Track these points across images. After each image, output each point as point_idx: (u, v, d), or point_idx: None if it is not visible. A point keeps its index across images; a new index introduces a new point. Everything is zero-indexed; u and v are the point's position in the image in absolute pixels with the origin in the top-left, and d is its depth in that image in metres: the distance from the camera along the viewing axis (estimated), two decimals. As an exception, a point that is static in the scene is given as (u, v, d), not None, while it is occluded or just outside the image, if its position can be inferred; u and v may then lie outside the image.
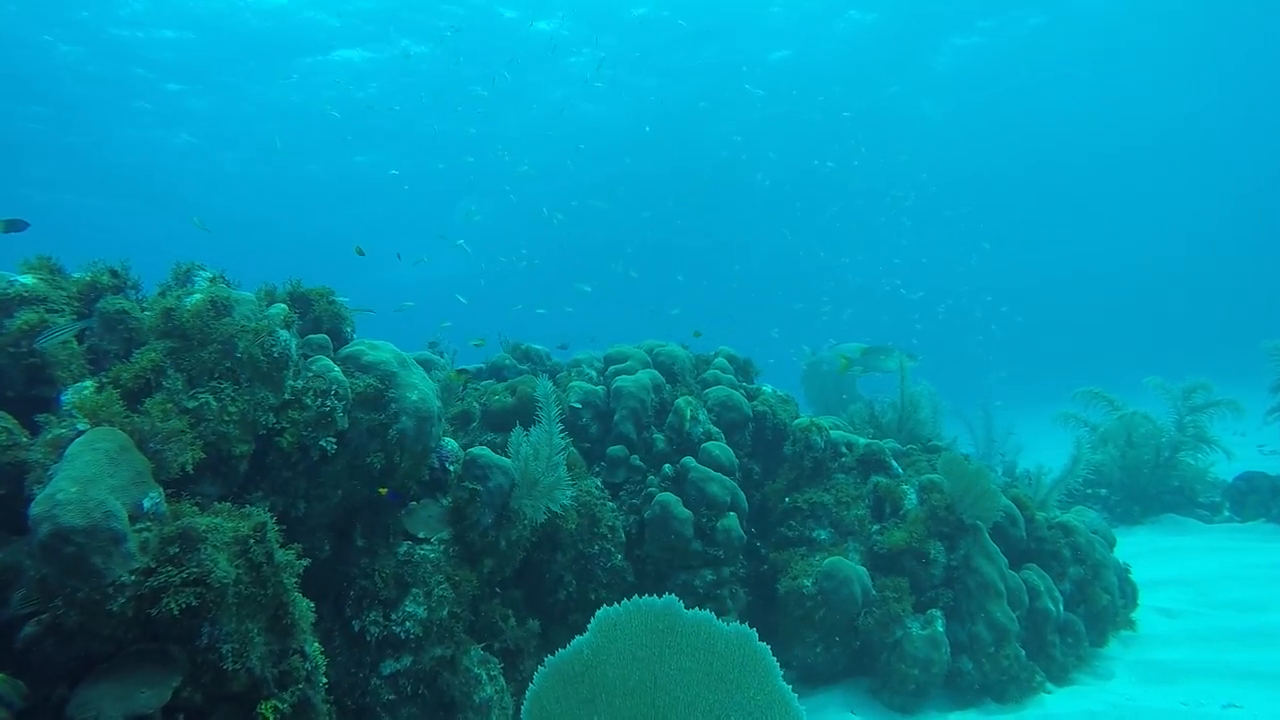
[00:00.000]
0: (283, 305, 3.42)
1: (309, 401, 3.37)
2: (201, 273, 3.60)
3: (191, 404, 2.94)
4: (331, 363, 3.57)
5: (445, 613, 3.83)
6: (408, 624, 3.67)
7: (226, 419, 3.04)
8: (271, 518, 2.61)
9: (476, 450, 4.22)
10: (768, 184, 30.74)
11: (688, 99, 25.58)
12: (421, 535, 4.09)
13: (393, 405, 3.77)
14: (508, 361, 6.72)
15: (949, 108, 28.27)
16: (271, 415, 3.25)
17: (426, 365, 6.68)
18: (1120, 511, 9.64)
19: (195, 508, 2.58)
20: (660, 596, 5.06)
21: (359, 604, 3.69)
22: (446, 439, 4.54)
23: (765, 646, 2.53)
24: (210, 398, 3.00)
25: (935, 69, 25.69)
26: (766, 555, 5.24)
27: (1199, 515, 9.12)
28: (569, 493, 4.94)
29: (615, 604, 5.04)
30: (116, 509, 2.20)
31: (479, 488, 4.08)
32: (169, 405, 2.86)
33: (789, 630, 4.77)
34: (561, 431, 4.14)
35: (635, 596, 5.24)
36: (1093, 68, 27.07)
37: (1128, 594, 5.30)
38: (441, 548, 4.03)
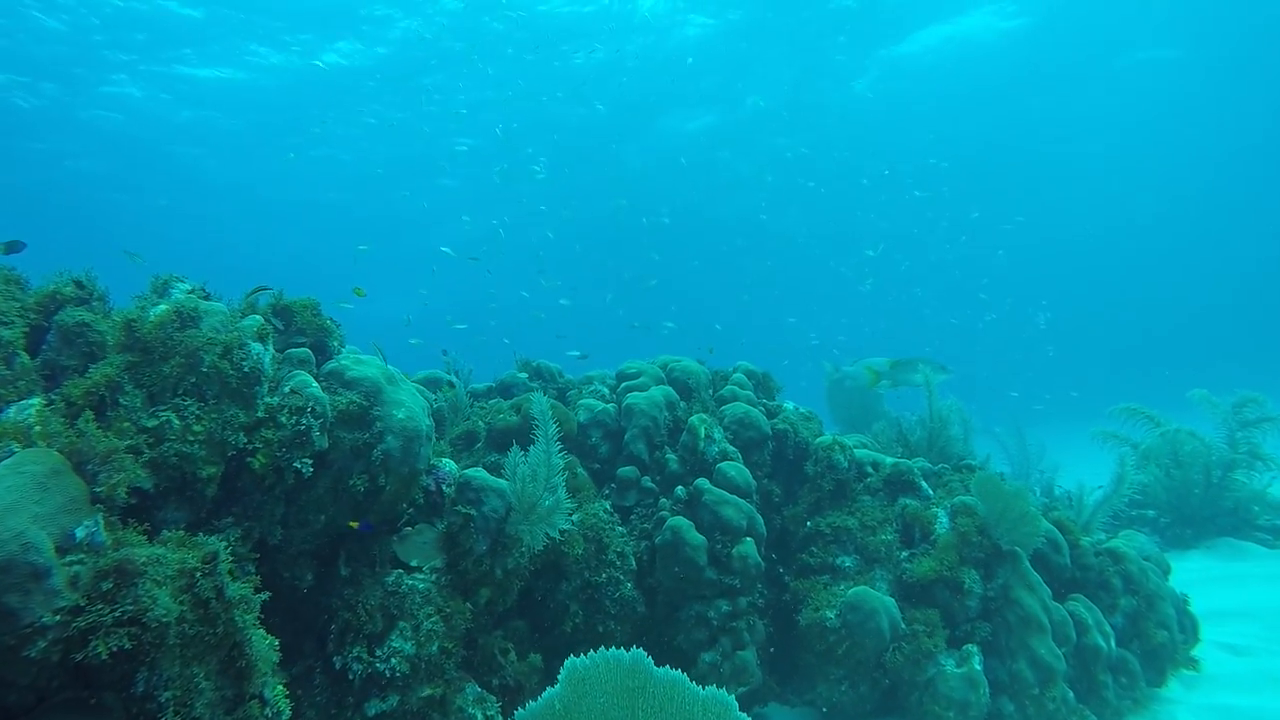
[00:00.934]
0: (258, 317, 3.21)
1: (284, 420, 3.14)
2: (180, 284, 3.40)
3: (151, 423, 2.72)
4: (310, 378, 3.34)
5: (435, 648, 3.55)
6: (394, 661, 3.40)
7: (191, 439, 2.82)
8: (225, 547, 2.36)
9: (471, 472, 3.96)
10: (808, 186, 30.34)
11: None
12: (414, 563, 3.84)
13: (377, 424, 3.52)
14: (518, 379, 6.48)
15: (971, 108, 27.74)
16: (242, 434, 3.02)
17: (434, 384, 6.50)
18: (1170, 535, 9.06)
19: (143, 536, 2.34)
20: (672, 629, 4.75)
21: (341, 639, 3.42)
22: (445, 460, 4.29)
23: (744, 717, 2.20)
24: (172, 416, 2.78)
25: (946, 70, 25.23)
26: (788, 583, 4.89)
27: (1258, 539, 8.52)
28: (571, 517, 4.67)
29: (625, 635, 4.75)
30: (39, 540, 1.97)
31: (473, 512, 3.82)
32: (126, 424, 2.64)
33: (812, 666, 4.40)
34: (561, 451, 3.86)
35: (646, 629, 4.96)
36: (1130, 70, 26.42)
37: (1188, 628, 4.84)
38: (433, 577, 3.77)
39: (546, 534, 3.86)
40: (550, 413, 4.92)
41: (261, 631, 2.54)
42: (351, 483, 3.45)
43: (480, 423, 5.51)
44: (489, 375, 7.14)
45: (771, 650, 4.81)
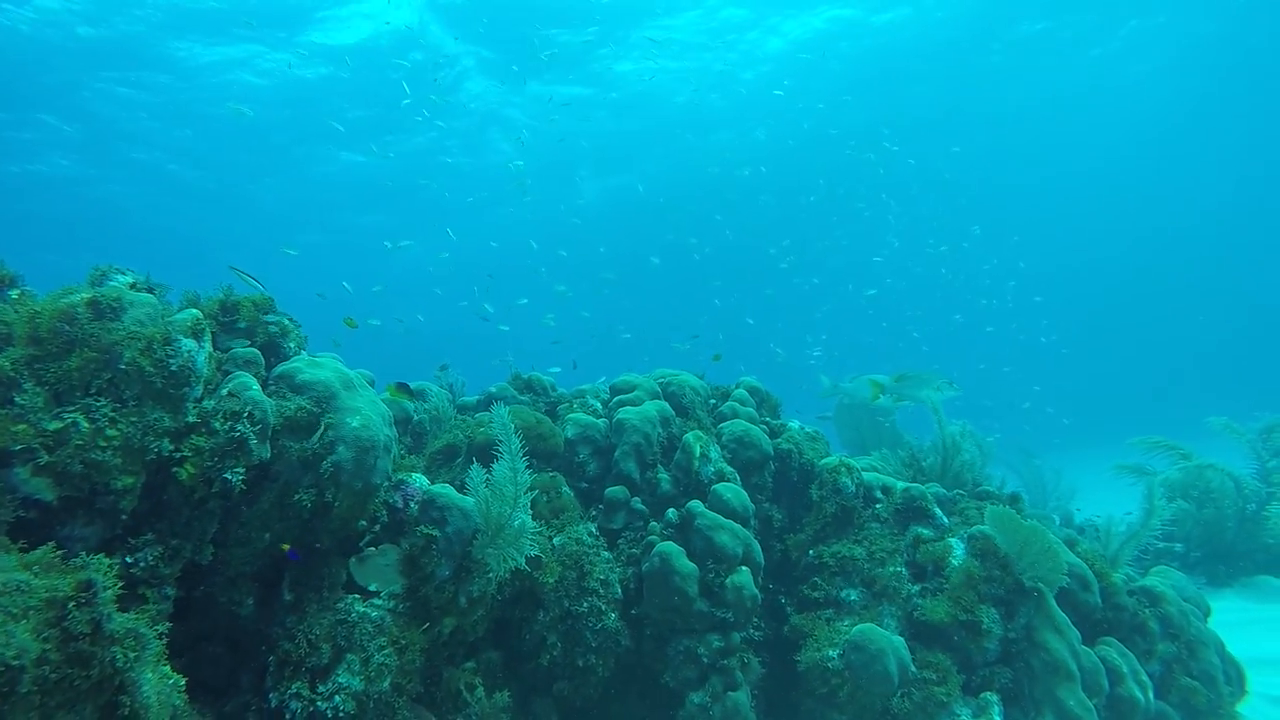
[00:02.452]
0: (194, 311, 2.89)
1: (218, 425, 2.81)
2: (119, 275, 3.10)
3: (53, 425, 2.40)
4: (251, 380, 3.01)
5: (387, 684, 3.17)
6: (338, 699, 3.03)
7: (103, 444, 2.49)
8: (111, 571, 2.01)
9: (437, 488, 3.61)
10: (812, 198, 29.98)
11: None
12: (373, 587, 3.48)
13: (329, 433, 3.19)
14: (507, 393, 6.14)
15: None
16: (167, 441, 2.69)
17: (422, 394, 6.17)
18: (1203, 571, 8.50)
19: (16, 558, 2.00)
20: (659, 664, 4.34)
21: (280, 673, 3.06)
22: (416, 475, 3.95)
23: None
24: (80, 417, 2.45)
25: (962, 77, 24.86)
26: (790, 616, 4.48)
27: (1299, 578, 7.96)
28: (552, 540, 4.29)
29: (607, 670, 4.35)
30: None
31: (436, 533, 3.46)
32: (21, 426, 2.32)
33: (812, 711, 3.98)
34: (529, 469, 3.50)
35: (632, 663, 4.55)
36: (1139, 86, 25.95)
37: (1234, 678, 4.36)
38: (390, 604, 3.40)
39: (513, 560, 3.48)
40: (514, 426, 4.58)
41: (162, 670, 2.19)
42: (297, 497, 3.11)
43: (462, 436, 5.17)
44: (475, 388, 6.83)
45: (769, 690, 4.39)
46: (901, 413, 9.14)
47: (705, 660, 3.99)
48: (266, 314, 3.50)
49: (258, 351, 3.24)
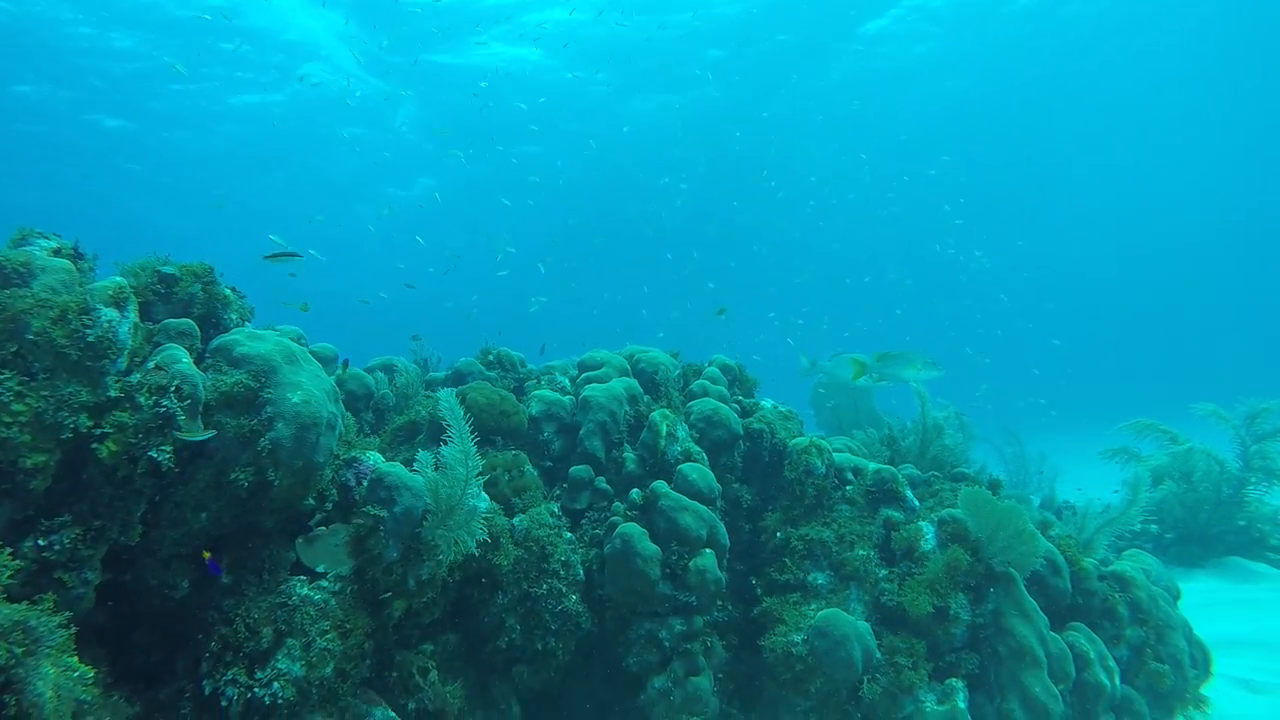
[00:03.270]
0: (117, 279, 2.71)
1: (142, 400, 2.64)
2: (41, 240, 2.91)
3: (-49, 398, 2.22)
4: (181, 353, 2.84)
5: (329, 670, 3.05)
6: (277, 685, 2.90)
7: (8, 420, 2.32)
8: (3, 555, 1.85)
9: (386, 467, 3.46)
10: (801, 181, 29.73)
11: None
12: (321, 569, 3.34)
13: (267, 409, 3.02)
14: (475, 368, 5.97)
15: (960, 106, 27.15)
16: (85, 417, 2.52)
17: (389, 370, 6.01)
18: (1176, 553, 8.53)
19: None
20: (622, 648, 4.26)
21: (218, 660, 2.92)
22: (371, 453, 3.80)
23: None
24: (-18, 391, 2.28)
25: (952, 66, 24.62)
26: (762, 598, 4.39)
27: (1270, 560, 7.99)
28: (512, 521, 4.17)
29: (568, 653, 4.25)
30: None
31: (384, 514, 3.32)
32: (-86, 399, 2.14)
33: (776, 695, 3.90)
34: (491, 446, 3.36)
35: (595, 646, 4.46)
36: (1125, 69, 25.80)
37: (1199, 661, 4.33)
38: (336, 586, 3.27)
39: (464, 543, 3.35)
40: (479, 403, 4.43)
41: (66, 662, 2.04)
42: (234, 476, 2.95)
43: (425, 413, 5.01)
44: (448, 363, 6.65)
45: (735, 674, 4.31)
46: (882, 394, 9.05)
47: (667, 644, 3.90)
48: (208, 284, 3.32)
49: (192, 323, 3.06)
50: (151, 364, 2.75)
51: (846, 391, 8.23)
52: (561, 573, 4.13)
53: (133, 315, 2.73)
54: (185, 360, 2.79)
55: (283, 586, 3.12)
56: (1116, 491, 5.86)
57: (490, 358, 6.15)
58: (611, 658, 4.20)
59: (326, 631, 3.09)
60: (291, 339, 5.84)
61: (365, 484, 3.47)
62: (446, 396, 3.34)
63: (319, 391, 3.20)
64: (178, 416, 2.69)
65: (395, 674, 3.62)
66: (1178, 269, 43.52)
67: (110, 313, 2.59)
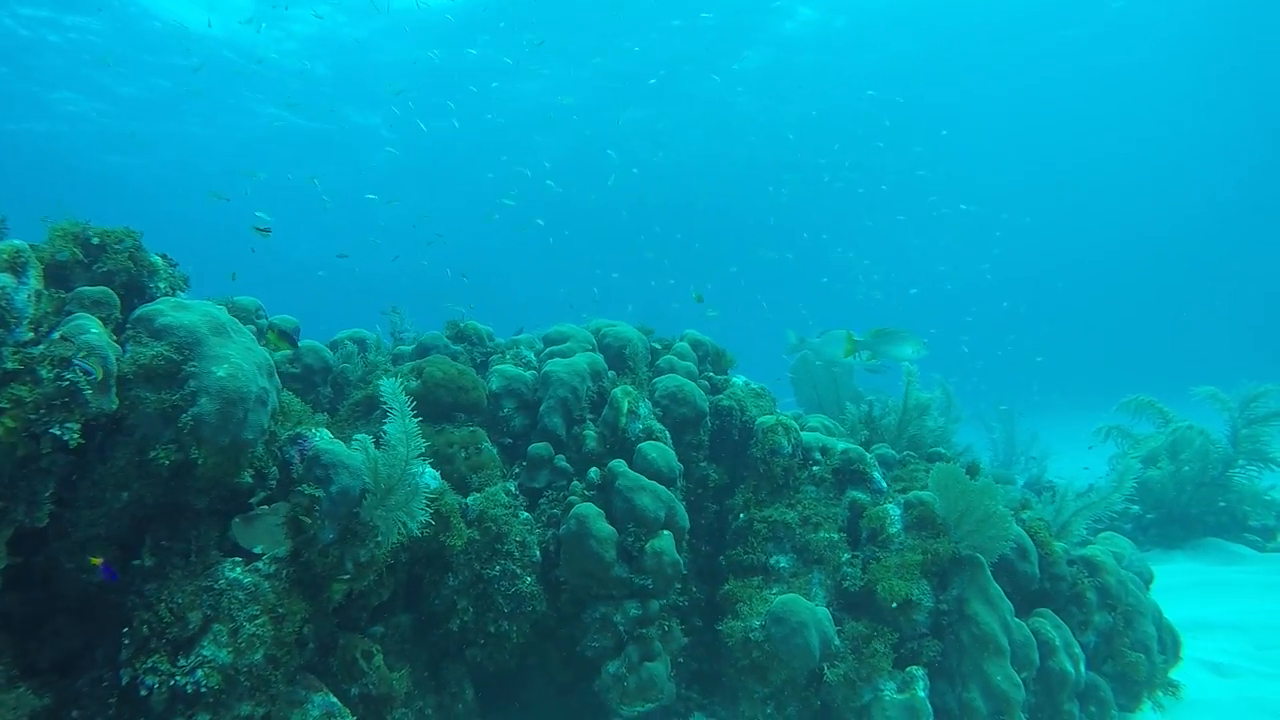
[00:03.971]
0: (13, 242, 2.52)
1: (44, 374, 2.47)
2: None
3: None
4: (92, 322, 2.66)
5: (259, 656, 2.92)
6: (200, 673, 2.76)
7: (-113, 393, 2.15)
8: None
9: (324, 444, 3.30)
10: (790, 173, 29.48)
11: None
12: (259, 550, 3.20)
13: (191, 383, 2.85)
14: (439, 341, 5.79)
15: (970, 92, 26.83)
16: (-21, 391, 2.35)
17: (360, 343, 5.84)
18: (1156, 534, 8.49)
19: None
20: (578, 632, 4.15)
21: (138, 648, 2.78)
22: (319, 430, 3.64)
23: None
24: None
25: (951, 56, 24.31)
26: (726, 579, 4.28)
27: (1248, 541, 7.95)
28: (465, 500, 4.03)
29: (523, 636, 4.14)
30: None
31: (320, 493, 3.16)
32: None
33: (735, 681, 3.80)
34: (419, 426, 3.20)
35: (552, 629, 4.35)
36: (1124, 60, 25.47)
37: (1168, 646, 4.25)
38: (272, 568, 3.13)
39: (405, 524, 3.21)
40: (418, 380, 4.28)
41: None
42: (153, 454, 2.79)
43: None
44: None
45: (695, 659, 4.22)
46: (867, 377, 8.87)
47: (622, 629, 3.79)
48: (133, 251, 3.13)
49: (109, 291, 2.88)
50: (57, 334, 2.58)
51: (827, 369, 8.08)
52: (516, 554, 4.00)
53: (33, 282, 2.55)
54: (95, 330, 2.61)
55: (212, 569, 2.98)
56: (1087, 468, 5.75)
57: (458, 331, 5.97)
58: (569, 641, 4.09)
59: (257, 616, 2.95)
60: (250, 310, 5.66)
61: (304, 462, 3.32)
62: (388, 385, 3.17)
63: (248, 365, 3.03)
64: (84, 390, 2.52)
65: (339, 659, 3.50)
66: (1186, 252, 43.33)
67: (5, 278, 2.41)
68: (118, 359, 2.69)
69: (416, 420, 3.23)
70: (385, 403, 3.20)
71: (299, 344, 5.35)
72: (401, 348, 6.20)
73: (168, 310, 2.97)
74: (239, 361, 2.98)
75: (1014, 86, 26.69)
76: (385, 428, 3.17)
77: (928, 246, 38.05)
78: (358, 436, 3.27)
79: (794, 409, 8.17)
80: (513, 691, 4.35)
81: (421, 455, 3.17)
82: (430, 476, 4.00)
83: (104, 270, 2.99)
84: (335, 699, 3.35)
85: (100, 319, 2.76)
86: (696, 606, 4.40)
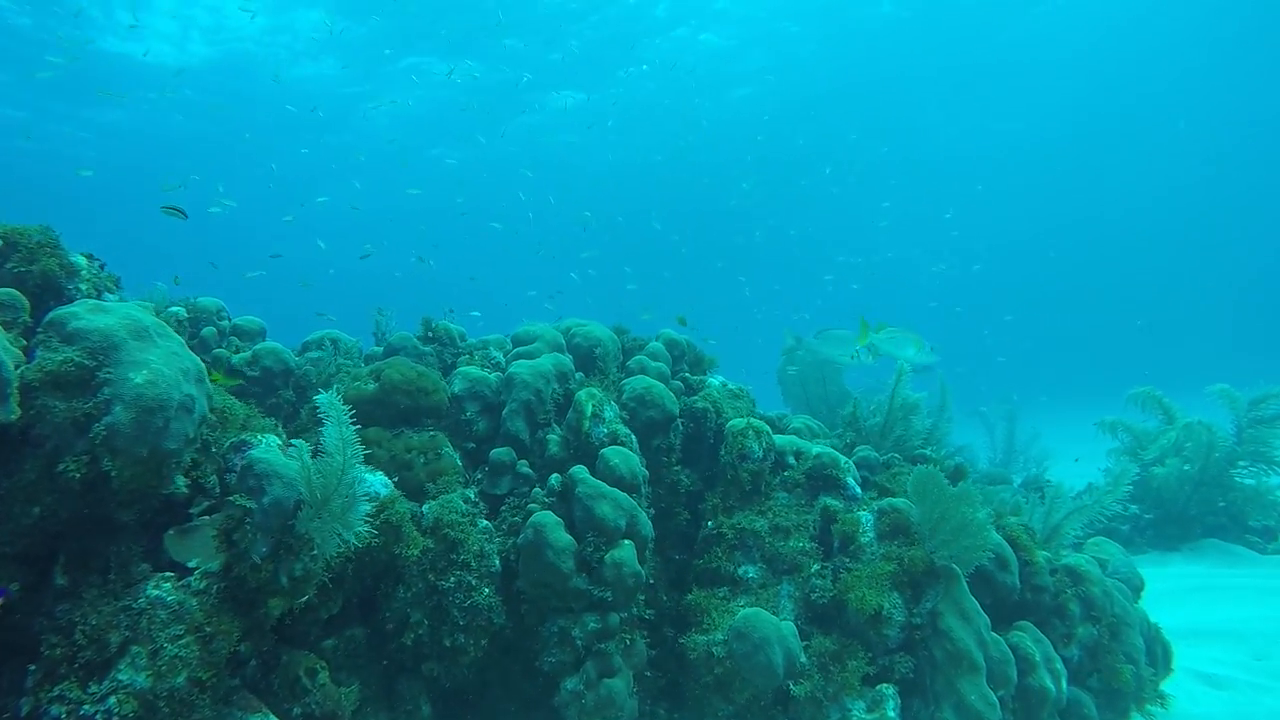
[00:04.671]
0: (-98, 241, 2.35)
1: (-67, 382, 2.30)
2: None
3: None
4: (-9, 327, 2.49)
5: (182, 679, 2.75)
6: (113, 700, 2.59)
7: None
8: None
9: (259, 452, 3.13)
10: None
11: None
12: (193, 564, 3.05)
13: (105, 390, 2.68)
14: (408, 342, 5.62)
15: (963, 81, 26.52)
16: None
17: (328, 344, 5.68)
18: (1154, 534, 8.28)
19: None
20: (533, 644, 3.98)
21: (46, 674, 2.62)
22: (265, 436, 3.48)
23: None
24: None
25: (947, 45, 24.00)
26: (691, 590, 4.10)
27: (1249, 542, 7.74)
28: (422, 508, 3.86)
29: (480, 650, 3.98)
30: None
31: (251, 505, 2.99)
32: None
33: (699, 698, 3.63)
34: (377, 431, 3.03)
35: (512, 643, 4.18)
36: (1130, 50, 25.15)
37: (1158, 659, 4.05)
38: (203, 584, 2.97)
39: (342, 537, 3.04)
40: (375, 383, 4.12)
41: None
42: (62, 466, 2.62)
43: (348, 391, 4.68)
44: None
45: (660, 673, 4.04)
46: (862, 371, 8.66)
47: (580, 643, 3.62)
48: (51, 250, 2.96)
49: (16, 293, 2.72)
50: (-49, 340, 2.41)
51: (815, 369, 7.89)
52: (473, 564, 3.83)
53: (-74, 284, 2.38)
54: (-8, 336, 2.44)
55: (130, 588, 2.82)
56: (1078, 459, 5.54)
57: (429, 332, 5.80)
58: (530, 654, 3.92)
59: (181, 636, 2.78)
60: (212, 311, 5.48)
61: (238, 471, 3.15)
62: (323, 396, 3.00)
63: (171, 371, 2.86)
64: (-24, 400, 2.35)
65: (281, 676, 3.33)
66: (1209, 251, 42.75)
67: (-110, 281, 2.24)
68: (19, 366, 2.52)
69: (356, 426, 3.06)
70: (321, 411, 3.03)
71: (262, 344, 5.20)
72: (376, 349, 6.04)
73: (83, 313, 2.80)
74: (160, 367, 2.81)
75: (1019, 77, 26.36)
76: (323, 434, 3.00)
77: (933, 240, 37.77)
78: (294, 443, 3.10)
79: (783, 409, 8.00)
80: (474, 706, 4.18)
81: (366, 462, 3.00)
82: (380, 484, 3.84)
83: (14, 271, 2.82)
84: (275, 719, 3.19)
85: (3, 323, 2.59)
86: (668, 617, 4.23)
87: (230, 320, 5.49)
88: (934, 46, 24.04)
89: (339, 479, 2.99)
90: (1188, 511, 8.24)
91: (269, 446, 3.24)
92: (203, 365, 3.13)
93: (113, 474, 2.70)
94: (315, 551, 3.04)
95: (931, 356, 6.86)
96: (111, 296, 3.22)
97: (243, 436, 3.46)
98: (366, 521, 3.56)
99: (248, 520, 2.98)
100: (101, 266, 3.19)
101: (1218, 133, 31.20)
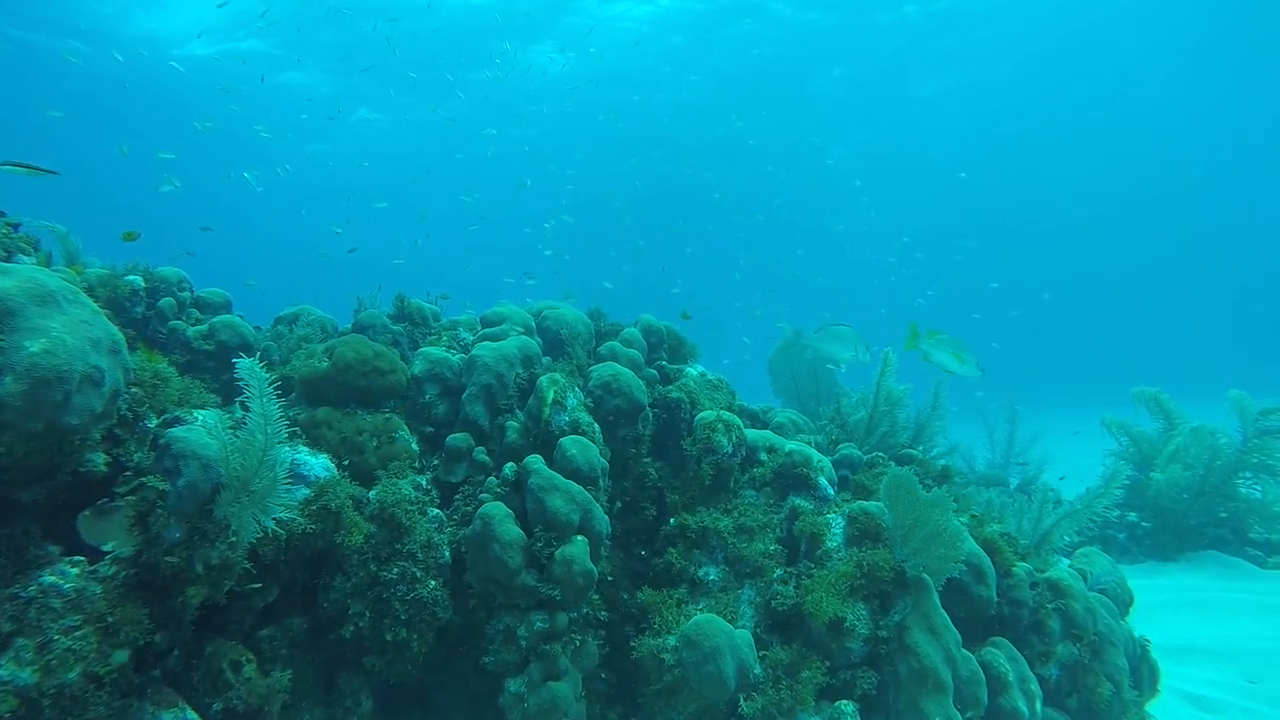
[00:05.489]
0: None
1: None
2: None
3: None
4: None
5: (75, 675, 2.55)
6: (-5, 693, 2.40)
7: None
8: None
9: (177, 430, 2.92)
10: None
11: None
12: (109, 548, 2.86)
13: (-3, 359, 2.47)
14: (377, 320, 5.40)
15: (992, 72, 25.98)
16: None
17: (293, 320, 5.48)
18: (1150, 543, 8.01)
19: None
20: (478, 641, 3.78)
21: (-75, 662, 2.43)
22: (202, 411, 3.28)
23: None
24: None
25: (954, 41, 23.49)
26: (643, 589, 3.89)
27: (1249, 555, 7.47)
28: (367, 494, 3.65)
29: (425, 645, 3.78)
30: None
31: (166, 486, 2.79)
32: None
33: (651, 705, 3.42)
34: (283, 409, 2.81)
35: (461, 639, 3.98)
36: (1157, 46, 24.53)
37: (1144, 680, 3.82)
38: (113, 570, 2.77)
39: (260, 522, 2.83)
40: (328, 361, 3.91)
41: None
42: (-52, 441, 2.42)
43: (301, 367, 4.47)
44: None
45: (613, 675, 3.84)
46: (848, 370, 8.39)
47: (525, 643, 3.41)
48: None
49: (-95, 250, 2.49)
50: None
51: (806, 362, 7.63)
52: (420, 555, 3.63)
53: None
54: None
55: (21, 575, 2.62)
56: (1063, 478, 5.31)
57: (401, 310, 5.58)
58: (479, 652, 3.72)
59: (76, 628, 2.58)
60: (172, 281, 5.26)
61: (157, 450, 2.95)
62: (244, 361, 2.78)
63: (76, 340, 2.65)
64: None
65: (201, 670, 3.14)
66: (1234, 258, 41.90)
67: None
68: (-105, 329, 2.30)
69: (280, 402, 2.85)
70: (243, 381, 2.81)
71: (219, 317, 4.99)
72: (344, 326, 5.83)
73: (-18, 275, 2.58)
74: (62, 336, 2.60)
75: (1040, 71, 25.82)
76: (250, 410, 2.79)
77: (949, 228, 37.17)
78: (200, 415, 2.89)
79: (773, 403, 7.74)
80: (426, 701, 4.00)
81: (314, 443, 2.79)
82: (321, 467, 3.64)
83: (-88, 227, 2.60)
84: (194, 715, 3.00)
85: (-113, 281, 2.38)
86: (629, 616, 4.02)
87: (192, 292, 5.29)
88: (934, 47, 23.58)
89: (259, 458, 2.78)
90: (1187, 521, 7.98)
91: (195, 424, 3.03)
92: (120, 336, 2.92)
93: (6, 451, 2.49)
94: (233, 538, 2.83)
95: (975, 370, 6.54)
96: (27, 259, 3.00)
97: (176, 413, 3.26)
98: (301, 507, 3.38)
99: (160, 503, 2.78)
100: (14, 227, 2.97)
101: (1240, 121, 30.47)
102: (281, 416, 2.80)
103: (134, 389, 3.08)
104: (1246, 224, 40.29)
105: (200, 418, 3.23)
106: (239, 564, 2.95)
